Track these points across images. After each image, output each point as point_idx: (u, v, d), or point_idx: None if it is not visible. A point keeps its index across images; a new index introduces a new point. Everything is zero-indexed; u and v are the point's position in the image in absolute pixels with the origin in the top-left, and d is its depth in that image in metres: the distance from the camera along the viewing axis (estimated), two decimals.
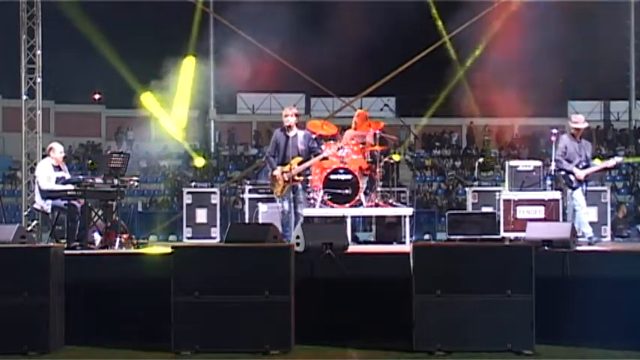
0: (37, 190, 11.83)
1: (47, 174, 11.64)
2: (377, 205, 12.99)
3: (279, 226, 10.78)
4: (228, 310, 8.38)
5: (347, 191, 12.57)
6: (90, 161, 12.83)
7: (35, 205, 12.05)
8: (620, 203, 19.69)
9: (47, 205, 11.62)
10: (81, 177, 11.57)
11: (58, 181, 11.57)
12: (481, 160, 20.94)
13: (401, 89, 28.48)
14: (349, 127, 13.79)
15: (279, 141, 11.63)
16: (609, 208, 14.18)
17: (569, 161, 11.69)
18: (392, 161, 13.92)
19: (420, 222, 17.76)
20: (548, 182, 14.30)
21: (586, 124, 11.47)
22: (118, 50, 22.81)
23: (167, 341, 8.36)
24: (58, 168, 11.80)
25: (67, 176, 11.78)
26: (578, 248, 10.13)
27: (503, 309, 8.36)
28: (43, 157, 12.25)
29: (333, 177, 12.61)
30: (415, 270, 8.50)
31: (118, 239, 11.13)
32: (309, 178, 12.50)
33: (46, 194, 11.53)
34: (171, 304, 8.37)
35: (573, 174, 11.63)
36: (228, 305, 8.40)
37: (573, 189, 11.68)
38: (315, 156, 11.79)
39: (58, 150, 11.91)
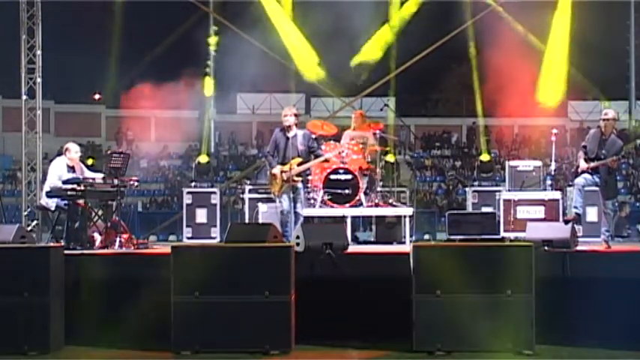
0: (46, 187, 11.79)
1: (59, 173, 11.59)
2: (377, 205, 12.99)
3: (278, 226, 10.78)
4: (228, 310, 8.39)
5: (347, 191, 12.58)
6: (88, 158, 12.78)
7: (42, 201, 12.03)
8: (623, 203, 19.66)
9: (52, 203, 11.60)
10: (81, 177, 11.55)
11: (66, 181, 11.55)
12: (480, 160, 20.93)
13: (401, 89, 28.45)
14: (349, 127, 13.79)
15: (279, 141, 11.61)
16: None
17: (586, 154, 11.35)
18: (391, 161, 13.93)
19: (420, 222, 17.75)
20: (548, 182, 14.31)
21: (609, 116, 11.19)
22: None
23: (167, 341, 8.37)
24: (72, 169, 11.74)
25: (88, 174, 11.74)
26: (578, 248, 10.12)
27: (503, 309, 8.37)
28: (58, 154, 12.19)
29: (333, 177, 12.61)
30: (415, 270, 8.50)
31: (118, 239, 11.13)
32: (309, 177, 12.50)
33: (54, 192, 11.49)
34: (171, 304, 8.38)
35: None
36: (228, 305, 8.41)
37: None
38: (316, 156, 11.80)
39: (73, 150, 11.84)
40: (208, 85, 24.73)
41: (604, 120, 11.15)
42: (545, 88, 19.56)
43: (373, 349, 8.66)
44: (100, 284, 9.24)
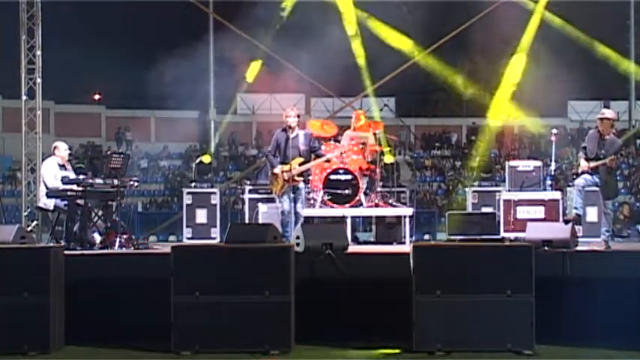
0: (42, 189, 11.79)
1: (54, 172, 11.60)
2: (377, 206, 12.99)
3: (279, 226, 10.79)
4: (228, 310, 8.40)
5: (347, 191, 12.57)
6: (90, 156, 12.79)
7: (40, 204, 12.02)
8: (624, 203, 19.65)
9: (50, 203, 11.59)
10: (81, 177, 11.55)
11: (63, 180, 11.55)
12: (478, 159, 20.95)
13: (401, 89, 28.47)
14: (349, 128, 13.79)
15: (280, 141, 11.65)
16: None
17: (586, 155, 11.32)
18: (391, 162, 13.93)
19: (420, 222, 17.74)
20: (548, 182, 14.30)
21: (606, 115, 11.17)
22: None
23: (167, 341, 8.37)
24: (63, 167, 11.77)
25: (72, 175, 11.73)
26: (578, 248, 10.12)
27: (503, 309, 8.37)
28: (48, 156, 12.22)
29: (333, 177, 12.61)
30: (415, 270, 8.50)
31: (118, 239, 11.13)
32: (310, 178, 12.51)
33: (53, 193, 11.48)
34: (171, 304, 8.38)
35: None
36: (228, 305, 8.41)
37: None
38: (317, 156, 11.83)
39: (62, 148, 11.88)
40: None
41: (601, 119, 11.16)
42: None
43: (373, 349, 8.65)
44: (100, 284, 9.24)
